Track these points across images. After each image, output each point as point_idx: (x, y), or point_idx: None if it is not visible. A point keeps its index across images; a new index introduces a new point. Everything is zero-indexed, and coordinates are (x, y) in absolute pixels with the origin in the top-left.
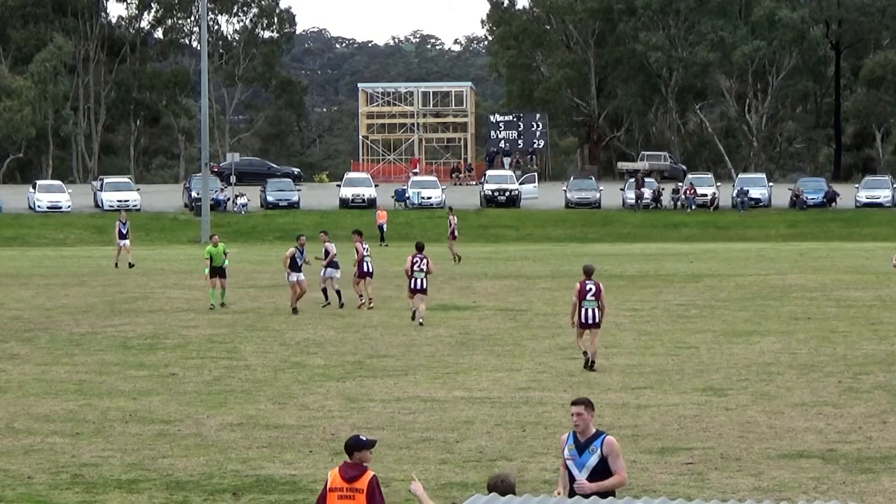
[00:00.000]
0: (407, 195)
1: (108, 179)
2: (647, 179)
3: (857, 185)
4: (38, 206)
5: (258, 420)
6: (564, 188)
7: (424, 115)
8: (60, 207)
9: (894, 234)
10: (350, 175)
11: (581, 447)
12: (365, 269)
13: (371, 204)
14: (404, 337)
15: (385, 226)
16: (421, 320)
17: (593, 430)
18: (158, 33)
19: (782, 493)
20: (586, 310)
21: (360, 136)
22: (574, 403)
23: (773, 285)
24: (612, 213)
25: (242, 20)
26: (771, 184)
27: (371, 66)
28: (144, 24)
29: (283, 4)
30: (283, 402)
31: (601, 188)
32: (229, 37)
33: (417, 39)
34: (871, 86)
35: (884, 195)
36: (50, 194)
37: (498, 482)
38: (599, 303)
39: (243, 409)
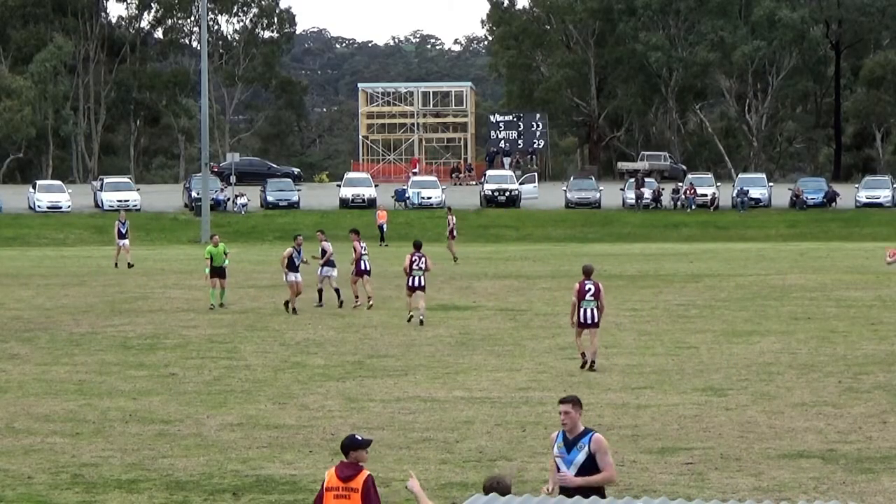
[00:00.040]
0: (407, 195)
1: (108, 179)
2: (647, 179)
3: (857, 185)
4: (38, 206)
5: (258, 420)
6: (564, 188)
7: (424, 115)
8: (60, 207)
9: (894, 234)
10: (350, 175)
11: (569, 445)
12: (362, 267)
13: (371, 204)
14: (404, 337)
15: (385, 226)
16: (421, 317)
17: (581, 428)
18: (158, 33)
19: (782, 493)
20: (585, 310)
21: (360, 136)
22: (562, 402)
23: (773, 285)
24: (612, 213)
25: (242, 20)
26: (771, 184)
27: (371, 66)
28: (144, 24)
29: (283, 4)
30: (283, 402)
31: (601, 188)
32: (229, 37)
33: (417, 39)
34: (871, 86)
35: (884, 195)
36: (50, 194)
37: (494, 484)
38: (598, 303)
39: (243, 409)
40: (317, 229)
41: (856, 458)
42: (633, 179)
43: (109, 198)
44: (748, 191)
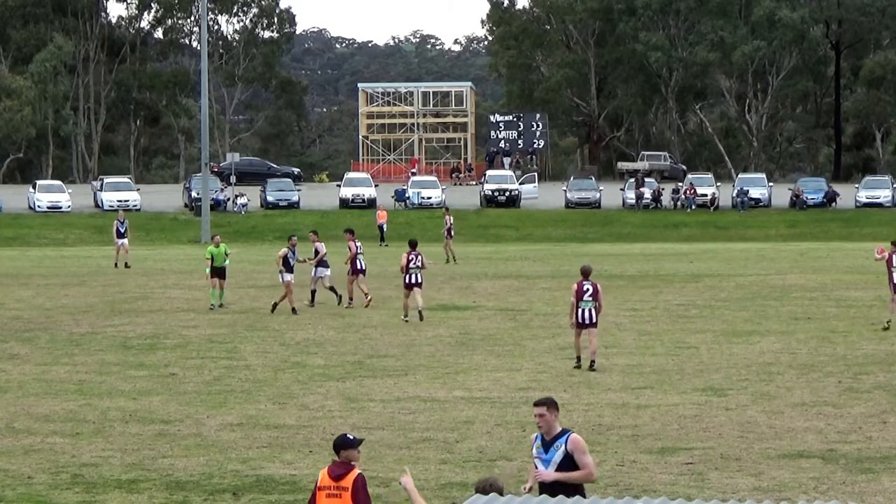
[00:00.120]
0: (407, 195)
1: (108, 179)
2: (647, 179)
3: (857, 185)
4: (38, 206)
5: (258, 420)
6: (564, 188)
7: (424, 115)
8: (60, 207)
9: (894, 234)
10: (350, 175)
11: (547, 445)
12: (358, 266)
13: (371, 204)
14: (404, 337)
15: (385, 226)
16: (420, 310)
17: (558, 429)
18: (158, 33)
19: (782, 493)
20: (583, 310)
21: (360, 136)
22: (536, 405)
23: (773, 285)
24: (612, 213)
25: (242, 20)
26: (771, 184)
27: (371, 66)
28: (144, 24)
29: (283, 4)
30: (283, 402)
31: (601, 188)
32: (229, 37)
33: (417, 39)
34: (871, 86)
35: (884, 195)
36: (50, 194)
37: (486, 486)
38: (597, 303)
39: (243, 409)
40: (316, 231)
41: (856, 458)
42: (633, 179)
43: (109, 198)
44: (748, 191)
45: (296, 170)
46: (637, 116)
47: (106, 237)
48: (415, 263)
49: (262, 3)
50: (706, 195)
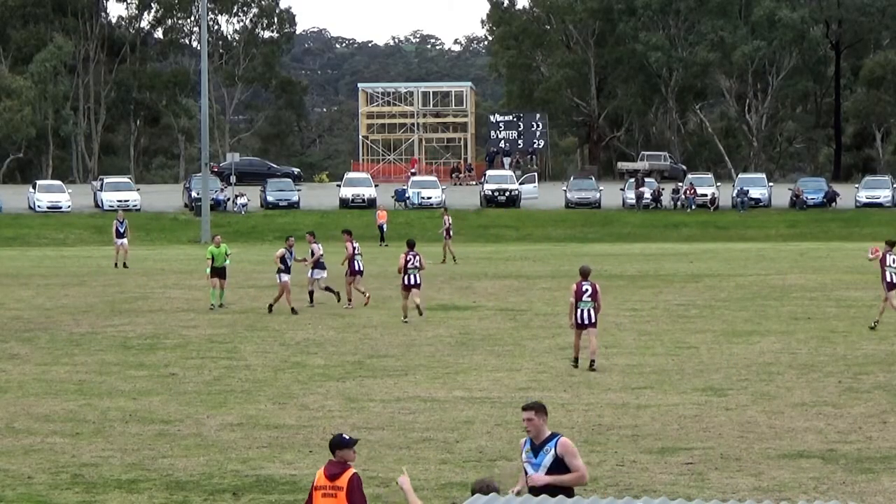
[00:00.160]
0: (407, 195)
1: (108, 179)
2: (647, 179)
3: (857, 185)
4: (38, 206)
5: (258, 420)
6: (564, 188)
7: (424, 115)
8: (60, 207)
9: (894, 234)
10: (350, 175)
11: (536, 449)
12: (356, 267)
13: (371, 204)
14: (404, 337)
15: (385, 226)
16: (419, 306)
17: (547, 433)
18: (158, 33)
19: (782, 493)
20: (582, 311)
21: (360, 136)
22: (524, 409)
23: (773, 285)
24: (612, 213)
25: (242, 20)
26: (771, 184)
27: (371, 66)
28: (144, 24)
29: (283, 4)
30: (283, 402)
31: (601, 188)
32: (229, 37)
33: (417, 39)
34: (871, 86)
35: (884, 195)
36: (50, 194)
37: (483, 487)
38: (596, 303)
39: (243, 409)
40: (317, 231)
41: (856, 458)
42: (633, 179)
43: (109, 198)
44: (748, 191)
45: (296, 170)
46: (637, 116)
47: (106, 237)
48: (413, 264)
49: (262, 3)
50: (706, 195)
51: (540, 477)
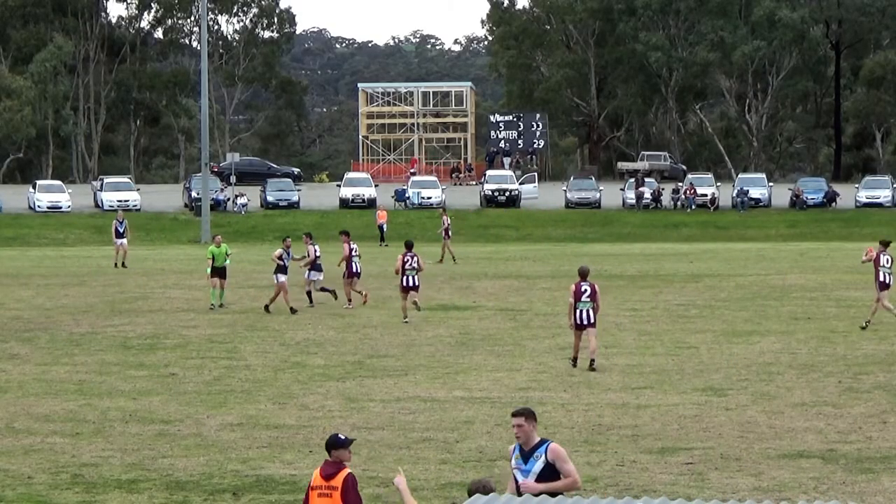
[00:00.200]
0: (407, 195)
1: (108, 179)
2: (647, 179)
3: (857, 185)
4: (38, 206)
5: (258, 420)
6: (564, 188)
7: (424, 115)
8: (60, 207)
9: (894, 234)
10: (350, 175)
11: (526, 456)
12: (353, 269)
13: (371, 204)
14: (404, 337)
15: (385, 226)
16: (416, 301)
17: (537, 439)
18: (158, 33)
19: (782, 493)
20: (581, 311)
21: (360, 136)
22: (514, 415)
23: (773, 285)
24: (612, 213)
25: (242, 20)
26: (771, 184)
27: (371, 66)
28: (144, 24)
29: (283, 4)
30: (283, 402)
31: (601, 188)
32: (229, 37)
33: (417, 39)
34: (871, 86)
35: (884, 195)
36: (50, 194)
37: (479, 487)
38: (594, 304)
39: (243, 409)
40: (319, 232)
41: (856, 458)
42: (633, 179)
43: (109, 198)
44: (748, 191)
45: (296, 170)
46: (637, 116)
47: (106, 237)
48: (410, 265)
49: (262, 3)
50: (706, 195)
51: (532, 484)
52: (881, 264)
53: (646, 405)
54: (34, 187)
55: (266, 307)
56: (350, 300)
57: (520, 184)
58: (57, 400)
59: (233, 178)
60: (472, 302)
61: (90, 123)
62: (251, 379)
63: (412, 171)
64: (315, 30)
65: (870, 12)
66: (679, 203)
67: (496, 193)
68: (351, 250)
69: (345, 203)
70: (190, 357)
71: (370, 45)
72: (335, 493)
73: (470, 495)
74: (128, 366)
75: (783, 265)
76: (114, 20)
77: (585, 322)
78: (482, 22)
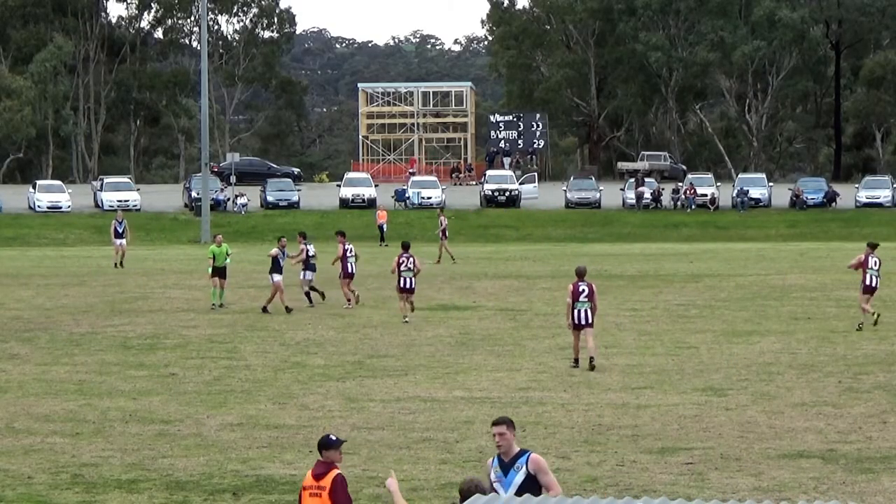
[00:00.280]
0: (407, 195)
1: (108, 179)
2: (647, 179)
3: (857, 185)
4: (38, 206)
5: (258, 420)
6: (564, 188)
7: (424, 115)
8: (60, 207)
9: (894, 234)
10: (350, 175)
11: (506, 467)
12: (348, 269)
13: (371, 204)
14: (404, 337)
15: (385, 226)
16: (411, 305)
17: (517, 450)
18: (158, 33)
19: (782, 493)
20: (579, 311)
21: (360, 136)
22: (495, 424)
23: (773, 285)
24: (612, 213)
25: (242, 20)
26: (771, 184)
27: (371, 66)
28: (144, 24)
29: (283, 4)
30: (283, 402)
31: (601, 188)
32: (229, 37)
33: (417, 39)
34: (871, 86)
35: (884, 195)
36: (50, 194)
37: (472, 486)
38: (592, 304)
39: (243, 409)
40: (298, 232)
41: (856, 458)
42: (633, 179)
43: (109, 198)
44: (748, 191)
45: (296, 170)
46: (637, 116)
47: (106, 237)
48: (406, 266)
49: (262, 3)
50: (706, 195)
51: (518, 501)
52: (869, 266)
53: (646, 405)
54: (34, 187)
55: (264, 308)
56: (349, 300)
57: (520, 184)
58: (57, 400)
59: (233, 178)
60: (472, 302)
61: (90, 123)
62: (251, 379)
63: (412, 170)
64: (315, 30)
65: (870, 12)
66: (679, 203)
67: (496, 193)
68: (345, 250)
69: (345, 203)
70: (190, 357)
71: (370, 45)
72: (324, 493)
73: (461, 494)
74: (128, 366)
75: (783, 265)
76: (114, 20)
77: (583, 322)
78: (482, 22)
